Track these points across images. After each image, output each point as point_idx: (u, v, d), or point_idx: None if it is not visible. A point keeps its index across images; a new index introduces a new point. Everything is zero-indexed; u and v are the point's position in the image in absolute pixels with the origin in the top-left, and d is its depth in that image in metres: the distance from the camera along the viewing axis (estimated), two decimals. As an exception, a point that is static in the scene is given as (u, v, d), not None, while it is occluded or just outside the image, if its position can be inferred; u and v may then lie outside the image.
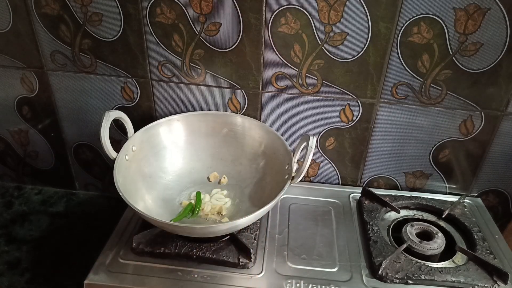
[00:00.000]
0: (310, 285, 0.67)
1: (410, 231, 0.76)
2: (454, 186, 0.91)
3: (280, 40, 0.77)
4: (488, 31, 0.71)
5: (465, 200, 0.89)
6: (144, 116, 0.89)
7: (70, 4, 0.77)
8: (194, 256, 0.70)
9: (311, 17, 0.73)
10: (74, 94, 0.89)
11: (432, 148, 0.86)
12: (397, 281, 0.69)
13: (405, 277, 0.69)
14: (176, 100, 0.87)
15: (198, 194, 0.80)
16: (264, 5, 0.73)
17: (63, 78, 0.87)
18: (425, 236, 0.76)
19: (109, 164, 0.97)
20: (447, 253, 0.74)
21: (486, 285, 0.68)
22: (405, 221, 0.82)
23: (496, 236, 0.80)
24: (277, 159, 0.78)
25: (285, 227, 0.80)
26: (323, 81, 0.80)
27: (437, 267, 0.70)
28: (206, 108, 0.87)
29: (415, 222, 0.78)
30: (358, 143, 0.87)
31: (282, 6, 0.73)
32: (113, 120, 0.73)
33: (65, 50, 0.83)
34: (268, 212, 0.82)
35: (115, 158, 0.73)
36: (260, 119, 0.87)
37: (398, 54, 0.76)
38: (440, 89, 0.78)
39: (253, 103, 0.85)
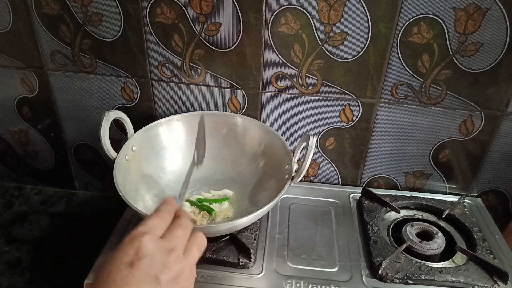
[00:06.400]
0: (310, 285, 0.67)
1: (410, 231, 0.76)
2: (454, 186, 0.91)
3: (280, 40, 0.77)
4: (488, 31, 0.71)
5: (465, 200, 0.89)
6: (144, 116, 0.89)
7: (70, 4, 0.77)
8: (194, 256, 0.70)
9: (311, 17, 0.73)
10: (74, 94, 0.89)
11: (432, 148, 0.86)
12: (397, 281, 0.69)
13: (405, 277, 0.69)
14: (176, 100, 0.87)
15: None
16: (264, 5, 0.73)
17: (63, 78, 0.87)
18: (425, 236, 0.76)
19: (109, 164, 0.97)
20: (447, 253, 0.74)
21: (486, 285, 0.68)
22: (405, 221, 0.82)
23: (496, 236, 0.80)
24: (277, 159, 0.78)
25: (285, 227, 0.80)
26: (323, 81, 0.80)
27: (437, 267, 0.70)
28: (206, 108, 0.87)
29: (415, 222, 0.78)
30: (358, 143, 0.87)
31: (282, 6, 0.73)
32: (113, 120, 0.73)
33: (65, 50, 0.83)
34: (268, 212, 0.82)
35: (115, 158, 0.73)
36: (260, 119, 0.87)
37: (398, 54, 0.76)
38: (440, 89, 0.78)
39: (253, 103, 0.85)
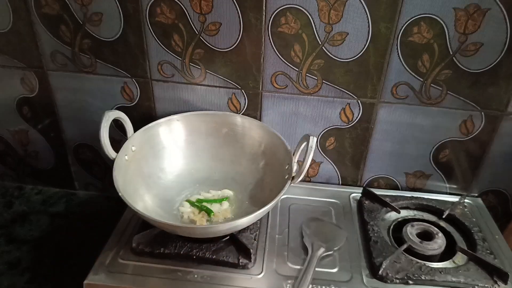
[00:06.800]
0: (310, 285, 0.67)
1: (411, 231, 0.76)
2: (455, 186, 0.91)
3: (280, 40, 0.76)
4: (488, 31, 0.71)
5: (465, 200, 0.89)
6: (144, 116, 0.89)
7: (70, 4, 0.77)
8: (194, 256, 0.70)
9: (311, 17, 0.73)
10: (74, 94, 0.88)
11: (432, 148, 0.86)
12: (398, 281, 0.69)
13: (406, 277, 0.68)
14: (176, 100, 0.87)
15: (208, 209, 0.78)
16: (264, 5, 0.73)
17: (63, 78, 0.87)
18: (425, 236, 0.76)
19: (109, 164, 0.97)
20: (447, 253, 0.74)
21: (486, 285, 0.68)
22: (405, 221, 0.82)
23: (496, 236, 0.80)
24: (277, 159, 0.78)
25: (285, 227, 0.80)
26: (323, 81, 0.80)
27: (437, 267, 0.70)
28: (206, 108, 0.87)
29: (415, 222, 0.78)
30: (358, 143, 0.87)
31: (282, 6, 0.73)
32: (113, 120, 0.73)
33: (65, 50, 0.83)
34: (268, 212, 0.82)
35: (114, 158, 0.72)
36: (260, 119, 0.87)
37: (398, 54, 0.76)
38: (440, 89, 0.78)
39: (253, 103, 0.85)
